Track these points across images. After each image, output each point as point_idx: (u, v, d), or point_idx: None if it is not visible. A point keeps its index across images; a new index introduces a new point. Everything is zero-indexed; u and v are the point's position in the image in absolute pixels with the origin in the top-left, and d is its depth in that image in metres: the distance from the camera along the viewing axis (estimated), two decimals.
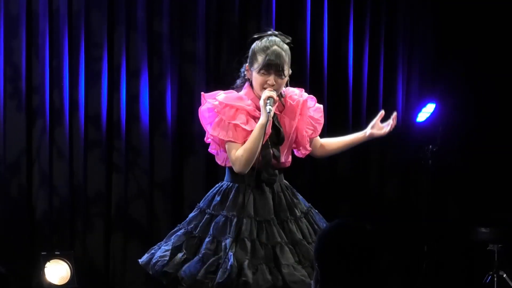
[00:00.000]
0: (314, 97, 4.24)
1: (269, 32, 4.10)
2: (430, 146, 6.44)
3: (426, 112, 6.55)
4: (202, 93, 4.12)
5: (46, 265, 5.80)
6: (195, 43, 6.30)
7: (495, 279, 6.07)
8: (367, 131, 4.32)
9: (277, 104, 4.00)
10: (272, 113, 3.94)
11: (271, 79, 3.98)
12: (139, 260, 4.16)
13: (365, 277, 2.69)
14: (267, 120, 3.92)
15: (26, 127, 6.08)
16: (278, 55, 4.00)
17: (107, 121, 6.20)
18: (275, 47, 4.02)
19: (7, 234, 6.03)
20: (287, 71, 4.05)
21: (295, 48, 6.61)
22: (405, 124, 6.64)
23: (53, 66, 6.11)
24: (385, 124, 4.32)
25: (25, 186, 6.08)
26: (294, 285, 3.88)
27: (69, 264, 5.85)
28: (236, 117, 3.99)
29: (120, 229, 6.22)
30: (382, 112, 4.31)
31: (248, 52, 4.08)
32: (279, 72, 3.99)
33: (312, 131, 4.20)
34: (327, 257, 2.72)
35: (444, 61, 6.70)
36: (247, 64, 4.07)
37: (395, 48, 6.68)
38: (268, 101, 3.93)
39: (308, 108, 4.16)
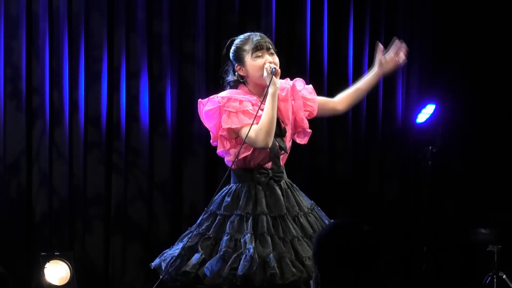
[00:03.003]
0: (301, 79, 4.31)
1: (240, 35, 4.25)
2: (430, 147, 6.43)
3: (425, 113, 6.54)
4: (199, 100, 4.16)
5: (45, 266, 5.80)
6: (195, 44, 6.31)
7: (495, 280, 6.07)
8: (376, 70, 4.45)
9: (279, 74, 4.10)
10: (277, 78, 4.04)
11: (267, 58, 4.11)
12: (151, 264, 4.16)
13: (364, 278, 2.69)
14: (276, 87, 4.05)
15: (26, 127, 6.08)
16: (261, 36, 4.17)
17: (107, 122, 6.20)
18: (253, 33, 4.20)
19: (6, 234, 6.03)
20: (275, 50, 4.18)
21: (295, 48, 6.64)
22: (405, 125, 6.64)
23: (53, 66, 6.11)
24: (390, 52, 4.42)
25: (25, 186, 6.08)
26: None
27: (69, 264, 5.85)
28: (242, 105, 4.07)
29: (120, 230, 6.22)
30: (380, 46, 4.43)
31: (228, 61, 4.23)
32: (269, 50, 4.14)
33: (308, 112, 4.28)
34: (325, 260, 2.72)
35: (443, 62, 6.70)
36: (236, 65, 4.17)
37: None
38: (271, 68, 4.06)
39: (299, 91, 4.24)
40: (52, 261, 5.83)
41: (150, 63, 6.25)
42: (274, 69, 4.04)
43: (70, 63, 6.12)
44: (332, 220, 4.04)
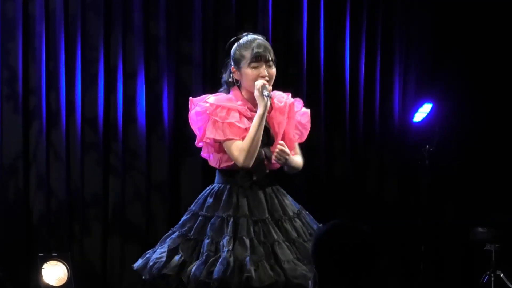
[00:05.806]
0: (301, 100, 4.27)
1: (245, 34, 4.20)
2: (427, 146, 6.43)
3: (423, 112, 6.55)
4: (190, 98, 4.15)
5: (43, 267, 5.80)
6: (192, 45, 6.30)
7: (493, 278, 6.07)
8: None
9: (271, 92, 4.06)
10: (269, 101, 4.00)
11: (263, 70, 4.06)
12: (134, 265, 4.18)
13: (362, 278, 2.69)
14: (266, 109, 3.99)
15: (23, 129, 6.07)
16: (263, 46, 4.10)
17: (104, 123, 6.19)
18: (257, 40, 4.12)
19: (4, 236, 6.02)
20: (274, 61, 4.13)
21: (291, 50, 6.64)
22: (402, 124, 6.64)
23: (49, 68, 6.10)
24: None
25: (22, 188, 6.07)
26: (296, 280, 3.93)
27: (67, 265, 5.85)
28: (229, 116, 4.05)
29: (117, 231, 6.22)
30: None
31: (229, 58, 4.18)
32: (268, 62, 4.09)
33: (298, 136, 4.24)
34: (324, 259, 2.72)
35: (440, 61, 6.70)
36: (232, 67, 4.14)
37: (392, 49, 6.68)
38: (263, 89, 4.00)
39: (296, 111, 4.20)
40: (50, 261, 5.83)
41: (147, 64, 6.25)
42: (268, 94, 3.98)
43: (66, 65, 6.12)
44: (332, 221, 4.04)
